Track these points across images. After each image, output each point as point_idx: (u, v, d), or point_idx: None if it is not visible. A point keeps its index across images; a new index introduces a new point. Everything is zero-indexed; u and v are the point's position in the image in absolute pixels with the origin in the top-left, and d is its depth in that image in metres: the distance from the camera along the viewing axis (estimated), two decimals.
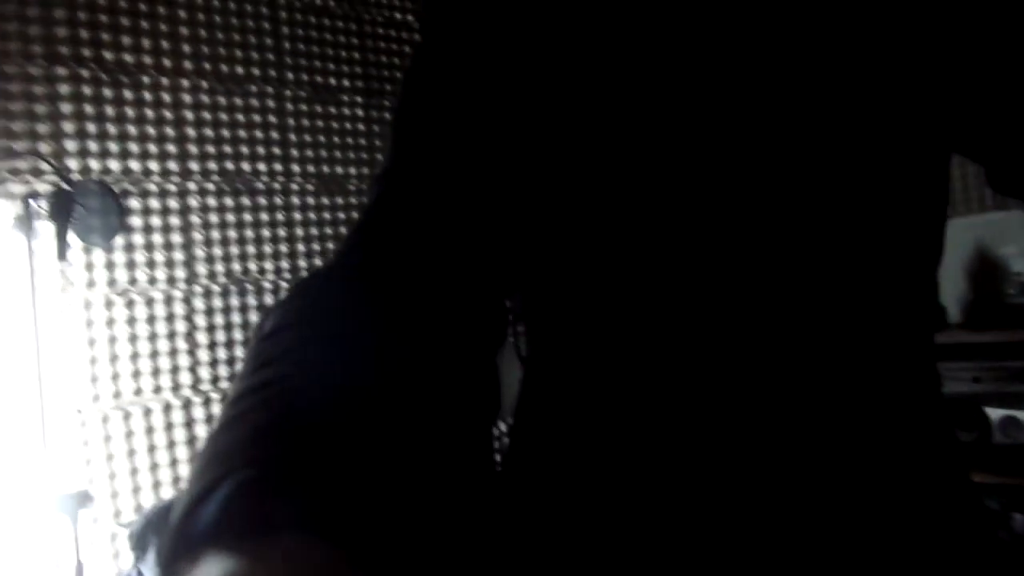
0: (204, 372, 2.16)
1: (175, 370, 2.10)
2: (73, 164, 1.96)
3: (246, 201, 2.28)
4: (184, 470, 2.08)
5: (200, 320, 2.16)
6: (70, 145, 1.97)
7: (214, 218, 2.21)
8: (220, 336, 2.19)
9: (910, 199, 0.43)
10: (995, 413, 1.97)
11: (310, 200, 2.44)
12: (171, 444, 2.07)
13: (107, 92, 2.04)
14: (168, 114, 2.15)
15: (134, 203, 2.06)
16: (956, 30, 0.41)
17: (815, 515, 0.39)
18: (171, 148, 2.15)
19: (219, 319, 2.20)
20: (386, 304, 0.36)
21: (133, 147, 2.07)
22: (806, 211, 0.40)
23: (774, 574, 0.38)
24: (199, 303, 2.17)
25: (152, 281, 2.08)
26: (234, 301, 2.24)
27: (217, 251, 2.22)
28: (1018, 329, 1.93)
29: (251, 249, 2.28)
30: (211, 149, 2.22)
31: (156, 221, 2.11)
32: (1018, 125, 0.41)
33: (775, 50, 0.40)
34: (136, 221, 2.07)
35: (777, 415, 0.40)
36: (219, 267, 2.22)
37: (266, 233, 2.32)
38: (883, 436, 0.41)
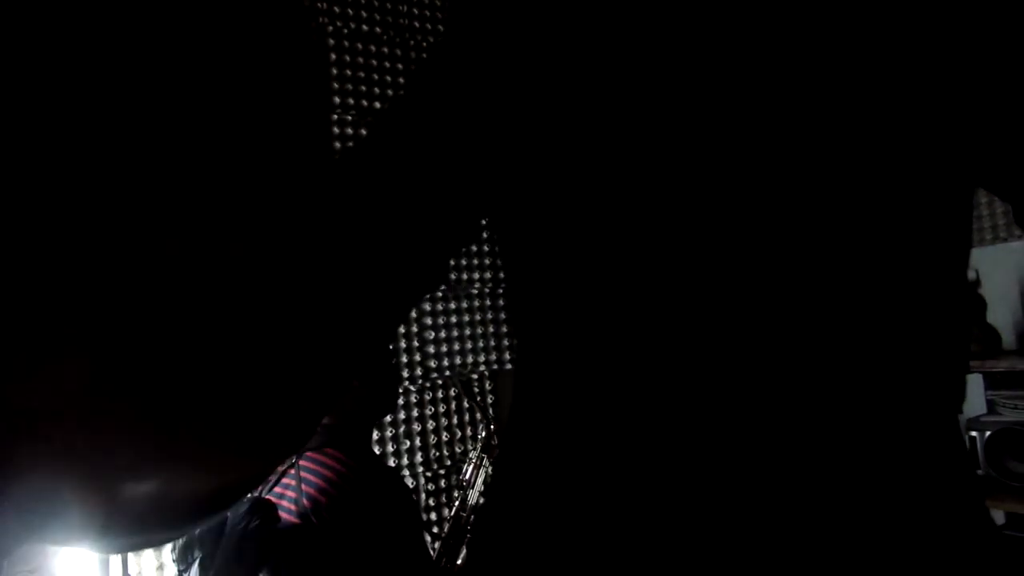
0: None
1: None
2: None
3: None
4: None
5: None
6: None
7: None
8: None
9: (924, 214, 0.41)
10: None
11: None
12: None
13: None
14: None
15: None
16: (976, 60, 0.40)
17: (809, 530, 0.38)
18: None
19: None
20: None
21: None
22: (809, 217, 0.39)
23: None
24: None
25: None
26: None
27: None
28: None
29: None
30: None
31: None
32: None
33: (784, 58, 0.39)
34: None
35: (772, 427, 0.39)
36: None
37: None
38: (884, 453, 0.40)
